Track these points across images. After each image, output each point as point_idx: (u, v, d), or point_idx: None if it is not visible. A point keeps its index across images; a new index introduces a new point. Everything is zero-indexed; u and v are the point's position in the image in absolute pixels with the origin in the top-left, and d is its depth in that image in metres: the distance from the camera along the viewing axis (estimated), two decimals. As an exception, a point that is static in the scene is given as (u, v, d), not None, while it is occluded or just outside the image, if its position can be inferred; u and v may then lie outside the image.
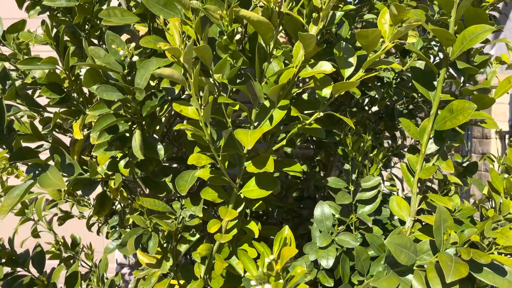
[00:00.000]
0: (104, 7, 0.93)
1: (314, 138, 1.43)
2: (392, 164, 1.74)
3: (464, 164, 1.23)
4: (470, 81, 0.97)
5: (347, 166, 1.06)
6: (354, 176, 1.04)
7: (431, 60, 1.19)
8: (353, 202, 1.04)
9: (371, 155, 1.07)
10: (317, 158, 1.41)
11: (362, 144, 1.02)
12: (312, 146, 1.51)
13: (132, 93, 0.76)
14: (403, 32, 0.75)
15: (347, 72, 0.79)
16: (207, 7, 0.71)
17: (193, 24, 0.72)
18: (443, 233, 0.81)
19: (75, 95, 1.01)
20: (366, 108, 1.33)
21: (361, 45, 0.76)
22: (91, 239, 1.55)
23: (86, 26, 0.94)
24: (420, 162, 0.97)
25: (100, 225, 1.49)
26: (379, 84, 1.24)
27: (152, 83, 0.88)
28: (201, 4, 0.72)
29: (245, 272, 1.00)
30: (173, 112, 1.22)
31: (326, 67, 0.72)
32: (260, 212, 1.40)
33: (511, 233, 0.72)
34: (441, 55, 1.24)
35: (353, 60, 0.79)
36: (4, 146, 0.82)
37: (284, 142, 0.88)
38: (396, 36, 0.75)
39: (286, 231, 0.77)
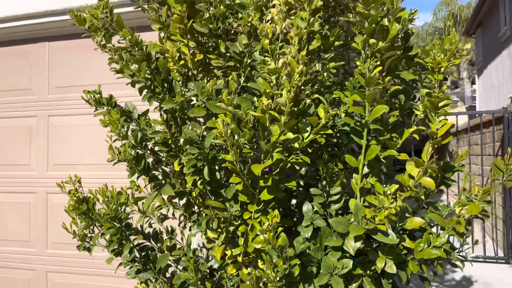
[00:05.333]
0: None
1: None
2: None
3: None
4: (383, 133, 1.73)
5: (324, 182, 1.85)
6: (327, 188, 1.83)
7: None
8: (327, 202, 1.82)
9: (341, 174, 1.85)
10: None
11: (329, 170, 1.81)
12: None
13: (203, 149, 1.64)
14: (329, 116, 1.55)
15: (305, 135, 1.61)
16: (235, 110, 1.57)
17: (229, 116, 1.58)
18: (359, 215, 1.58)
19: (173, 146, 1.92)
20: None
21: (312, 124, 1.58)
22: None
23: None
24: (359, 179, 1.73)
25: (185, 222, 2.38)
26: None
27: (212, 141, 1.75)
28: (232, 109, 1.58)
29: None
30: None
31: (290, 135, 1.54)
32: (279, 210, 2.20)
33: (383, 214, 1.48)
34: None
35: (308, 129, 1.61)
36: (144, 176, 1.72)
37: (278, 170, 1.70)
38: (322, 125, 1.56)
39: (275, 213, 1.59)
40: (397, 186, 1.54)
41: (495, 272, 5.53)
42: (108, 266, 2.31)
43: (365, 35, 1.62)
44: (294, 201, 2.17)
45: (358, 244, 1.54)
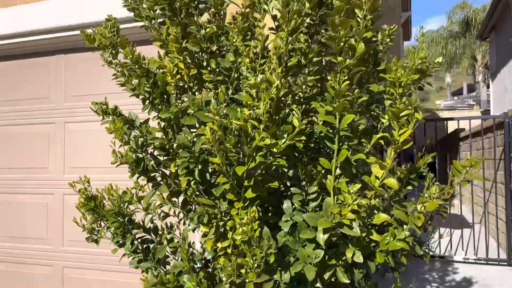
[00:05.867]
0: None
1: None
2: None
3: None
4: (353, 139, 1.94)
5: (303, 182, 2.07)
6: (306, 188, 2.05)
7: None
8: (306, 200, 2.04)
9: (318, 175, 2.07)
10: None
11: (307, 172, 2.03)
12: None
13: (194, 153, 1.88)
14: (301, 125, 1.78)
15: (282, 141, 1.84)
16: (221, 120, 1.81)
17: (216, 124, 1.82)
18: (328, 210, 1.80)
19: (171, 151, 2.17)
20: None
21: (286, 131, 1.81)
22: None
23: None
24: (332, 179, 1.95)
25: (184, 218, 2.63)
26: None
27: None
28: (219, 118, 1.82)
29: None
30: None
31: (268, 141, 1.77)
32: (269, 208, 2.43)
33: (347, 209, 1.70)
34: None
35: (285, 135, 1.84)
36: (143, 176, 1.97)
37: (260, 171, 1.93)
38: (296, 132, 1.79)
39: (252, 209, 1.82)
40: (359, 185, 1.76)
41: (496, 274, 5.63)
42: (118, 262, 2.57)
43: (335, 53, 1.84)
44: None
45: (326, 236, 1.76)
